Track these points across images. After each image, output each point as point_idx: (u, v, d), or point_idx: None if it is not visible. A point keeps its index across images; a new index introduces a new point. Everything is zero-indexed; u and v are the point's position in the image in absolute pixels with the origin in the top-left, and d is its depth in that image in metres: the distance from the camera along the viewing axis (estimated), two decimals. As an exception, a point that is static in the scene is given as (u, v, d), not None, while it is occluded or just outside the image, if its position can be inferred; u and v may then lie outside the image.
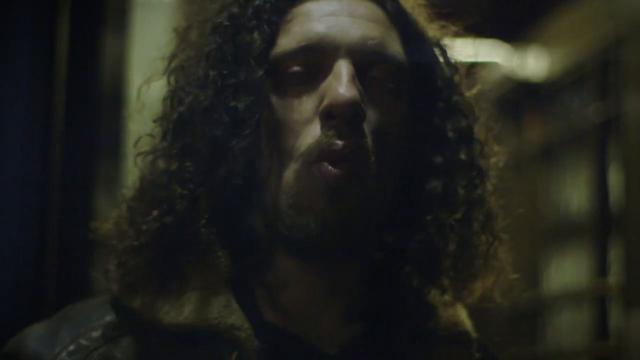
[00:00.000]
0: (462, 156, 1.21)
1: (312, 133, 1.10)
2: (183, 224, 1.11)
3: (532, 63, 4.18)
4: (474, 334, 1.24)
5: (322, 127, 1.09)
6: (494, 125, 1.26)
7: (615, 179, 3.57)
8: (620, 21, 3.48)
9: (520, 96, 4.27)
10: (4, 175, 1.75)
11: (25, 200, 1.75)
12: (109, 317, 1.14)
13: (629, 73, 3.44)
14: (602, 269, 3.63)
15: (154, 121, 1.18)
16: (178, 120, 1.14)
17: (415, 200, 1.17)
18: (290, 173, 1.10)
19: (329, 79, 1.10)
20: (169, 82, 1.19)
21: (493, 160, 1.25)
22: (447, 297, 1.23)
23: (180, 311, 1.10)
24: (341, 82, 1.08)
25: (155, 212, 1.12)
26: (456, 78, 1.26)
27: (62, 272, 1.85)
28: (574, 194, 3.94)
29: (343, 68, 1.09)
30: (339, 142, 1.07)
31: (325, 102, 1.09)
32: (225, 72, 1.13)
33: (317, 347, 1.13)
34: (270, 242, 1.15)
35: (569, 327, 3.93)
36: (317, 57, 1.11)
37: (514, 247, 3.95)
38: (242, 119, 1.11)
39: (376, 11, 1.16)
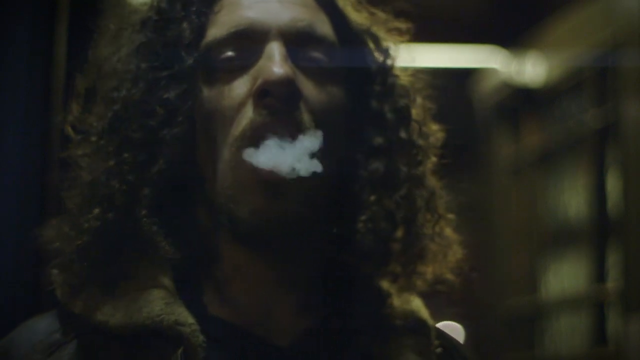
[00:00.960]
0: (402, 135, 1.22)
1: (246, 115, 1.11)
2: (124, 219, 1.11)
3: (531, 69, 4.19)
4: (431, 322, 1.24)
5: (255, 108, 1.10)
6: (431, 105, 1.28)
7: (613, 184, 3.57)
8: (619, 27, 3.49)
9: (518, 102, 4.27)
10: (3, 178, 1.75)
11: (25, 204, 1.75)
12: (55, 328, 1.14)
13: (628, 79, 3.44)
14: (600, 275, 3.63)
15: (89, 124, 1.18)
16: (113, 118, 1.14)
17: (358, 181, 1.17)
18: (225, 162, 1.11)
19: (262, 61, 1.11)
20: (101, 86, 1.19)
21: (432, 139, 1.27)
22: (401, 284, 1.23)
23: (124, 311, 1.10)
24: (274, 61, 1.10)
25: (96, 210, 1.12)
26: (389, 61, 1.26)
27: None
28: (573, 199, 3.94)
29: (275, 49, 1.11)
30: (274, 119, 1.08)
31: (258, 82, 1.10)
32: (156, 64, 1.15)
33: (267, 339, 1.13)
34: (216, 233, 1.15)
35: (568, 332, 3.93)
36: (249, 41, 1.13)
37: (512, 252, 3.93)
38: (174, 109, 1.12)
39: None
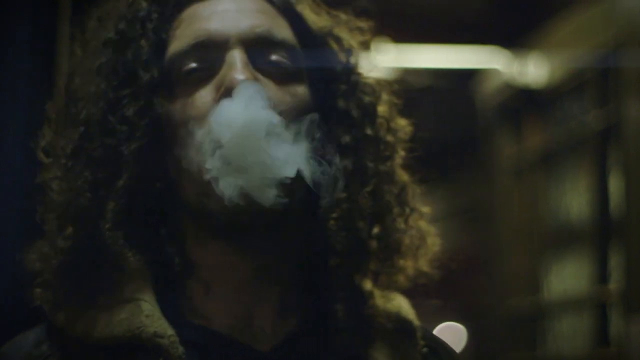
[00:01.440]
0: (368, 132, 1.24)
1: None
2: (94, 236, 1.14)
3: (533, 70, 4.19)
4: (416, 322, 1.25)
5: None
6: (398, 101, 1.29)
7: (615, 185, 3.57)
8: (620, 29, 3.49)
9: (520, 103, 4.28)
10: (4, 181, 1.75)
11: (26, 206, 1.75)
12: (42, 340, 1.17)
13: (629, 80, 3.45)
14: (602, 276, 3.63)
15: (61, 147, 1.21)
16: (79, 139, 1.18)
17: (327, 180, 1.18)
18: (194, 164, 1.13)
19: (224, 69, 1.14)
20: (69, 109, 1.22)
21: (400, 134, 1.28)
22: (382, 282, 1.24)
23: (106, 325, 1.12)
24: (235, 68, 1.13)
25: (69, 230, 1.16)
26: (352, 61, 1.28)
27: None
28: (574, 200, 3.94)
29: (236, 56, 1.14)
30: None
31: (221, 90, 1.13)
32: (115, 83, 1.18)
33: (249, 345, 1.14)
34: (191, 235, 1.17)
35: (570, 333, 3.93)
36: (210, 51, 1.16)
37: (514, 253, 3.93)
38: (133, 125, 1.15)
39: (262, 4, 1.21)
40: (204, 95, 1.15)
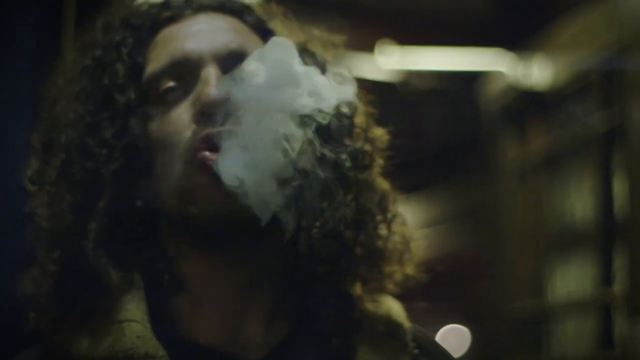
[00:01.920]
0: (347, 142, 1.25)
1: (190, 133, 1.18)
2: (82, 258, 1.17)
3: (537, 72, 4.19)
4: (407, 324, 1.26)
5: (197, 125, 1.16)
6: (374, 111, 1.31)
7: (619, 187, 3.58)
8: (624, 31, 3.49)
9: (524, 105, 4.28)
10: (6, 183, 1.75)
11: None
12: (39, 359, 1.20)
13: (633, 82, 3.45)
14: (606, 278, 3.64)
15: (47, 175, 1.24)
16: (61, 165, 1.21)
17: (307, 191, 1.20)
18: (175, 176, 1.16)
19: (199, 86, 1.17)
20: (53, 137, 1.26)
21: (378, 143, 1.30)
22: (370, 287, 1.26)
23: (99, 345, 1.14)
24: (209, 84, 1.16)
25: (57, 254, 1.18)
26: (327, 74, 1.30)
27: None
28: (579, 202, 3.95)
29: (210, 73, 1.18)
30: (215, 129, 1.15)
31: (197, 106, 1.16)
32: (91, 108, 1.22)
33: (239, 356, 1.16)
34: (178, 249, 1.20)
35: (574, 335, 3.93)
36: (186, 70, 1.19)
37: (518, 255, 3.93)
38: (111, 147, 1.20)
39: (235, 23, 1.25)
40: (181, 112, 1.18)
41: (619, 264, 3.57)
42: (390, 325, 1.24)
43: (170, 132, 1.17)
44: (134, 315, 1.16)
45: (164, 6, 1.26)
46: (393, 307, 1.27)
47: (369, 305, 1.24)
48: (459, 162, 5.75)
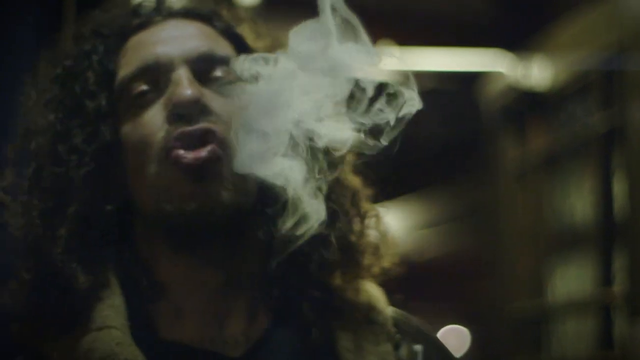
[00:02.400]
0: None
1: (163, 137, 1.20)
2: (55, 266, 1.18)
3: (537, 72, 4.19)
4: (388, 311, 1.28)
5: (170, 125, 1.18)
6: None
7: (619, 188, 3.58)
8: (625, 31, 3.49)
9: (524, 105, 4.28)
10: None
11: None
12: None
13: (633, 82, 3.45)
14: (606, 278, 3.64)
15: (21, 185, 1.25)
16: (32, 173, 1.23)
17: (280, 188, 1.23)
18: (151, 176, 1.18)
19: (171, 88, 1.20)
20: (24, 144, 1.28)
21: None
22: (349, 277, 1.27)
23: (81, 352, 1.16)
24: (181, 85, 1.19)
25: (30, 262, 1.20)
26: None
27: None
28: (578, 203, 3.95)
29: (181, 75, 1.20)
30: (188, 128, 1.17)
31: (169, 106, 1.18)
32: (62, 115, 1.24)
33: (220, 354, 1.18)
34: (155, 251, 1.21)
35: (574, 336, 3.93)
36: (157, 73, 1.22)
37: (518, 255, 3.93)
38: (81, 152, 1.21)
39: (204, 28, 1.28)
40: (154, 114, 1.20)
41: (619, 264, 3.57)
42: (371, 312, 1.26)
43: (144, 134, 1.19)
44: (113, 322, 1.17)
45: (134, 13, 1.29)
46: (374, 295, 1.28)
47: (349, 294, 1.26)
48: (459, 162, 5.76)
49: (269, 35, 1.33)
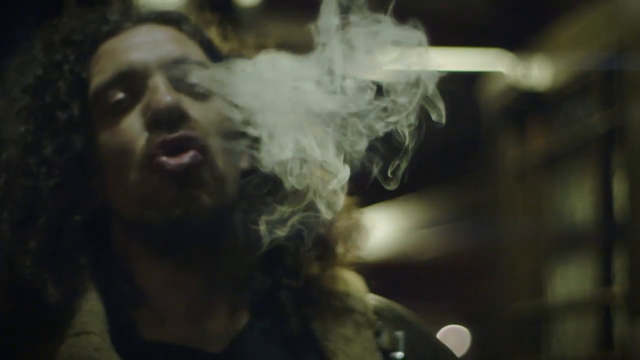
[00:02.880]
0: None
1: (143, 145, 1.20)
2: (24, 279, 1.18)
3: (537, 72, 4.19)
4: (367, 298, 1.30)
5: (150, 133, 1.19)
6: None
7: (619, 188, 3.58)
8: (625, 31, 3.49)
9: (524, 105, 4.28)
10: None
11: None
12: None
13: (633, 82, 3.45)
14: (606, 278, 3.64)
15: None
16: (3, 184, 1.23)
17: (251, 183, 1.24)
18: (132, 183, 1.19)
19: (148, 95, 1.21)
20: None
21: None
22: (325, 266, 1.29)
23: (60, 358, 1.16)
24: (158, 92, 1.19)
25: (4, 274, 1.20)
26: None
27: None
28: (579, 203, 3.95)
29: (157, 81, 1.21)
30: (170, 135, 1.18)
31: (148, 114, 1.19)
32: (33, 126, 1.23)
33: (201, 350, 1.20)
34: (142, 261, 1.22)
35: (574, 336, 3.93)
36: (133, 80, 1.22)
37: (518, 256, 3.93)
38: (52, 163, 1.22)
39: (174, 33, 1.29)
40: (132, 121, 1.20)
41: (619, 264, 3.57)
42: (350, 300, 1.28)
43: (123, 142, 1.20)
44: (91, 327, 1.18)
45: (103, 20, 1.29)
46: (352, 282, 1.30)
47: (327, 282, 1.28)
48: (459, 162, 5.76)
49: (236, 38, 1.34)
